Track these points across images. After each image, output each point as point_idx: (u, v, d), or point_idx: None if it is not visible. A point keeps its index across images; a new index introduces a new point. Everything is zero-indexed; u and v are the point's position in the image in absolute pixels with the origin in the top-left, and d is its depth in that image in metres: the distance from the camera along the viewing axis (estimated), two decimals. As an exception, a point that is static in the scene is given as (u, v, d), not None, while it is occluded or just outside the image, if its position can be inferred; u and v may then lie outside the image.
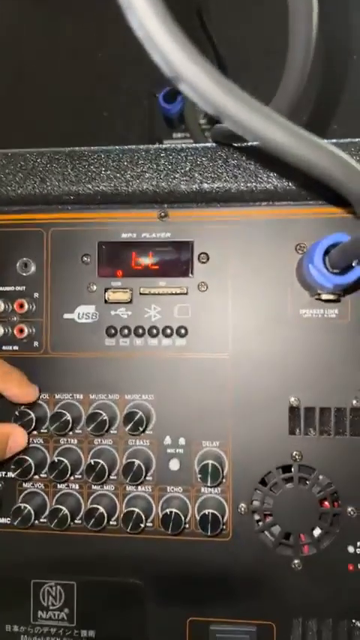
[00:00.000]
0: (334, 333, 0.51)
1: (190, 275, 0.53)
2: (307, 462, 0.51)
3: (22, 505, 0.51)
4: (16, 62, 0.95)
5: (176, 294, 0.53)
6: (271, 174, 0.49)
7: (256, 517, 0.52)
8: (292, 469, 0.52)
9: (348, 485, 0.51)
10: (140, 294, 0.54)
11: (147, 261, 0.54)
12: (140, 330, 0.54)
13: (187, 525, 0.52)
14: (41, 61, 0.95)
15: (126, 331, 0.54)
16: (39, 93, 0.95)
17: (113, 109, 0.99)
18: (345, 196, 0.32)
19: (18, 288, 0.55)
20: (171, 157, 0.50)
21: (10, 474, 0.54)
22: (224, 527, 0.51)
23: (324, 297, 0.48)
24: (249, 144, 0.50)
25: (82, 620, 0.54)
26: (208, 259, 0.53)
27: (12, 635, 0.54)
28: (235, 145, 0.50)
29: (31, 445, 0.54)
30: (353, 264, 0.43)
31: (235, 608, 0.52)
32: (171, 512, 0.50)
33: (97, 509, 0.50)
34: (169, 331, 0.53)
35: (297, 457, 0.51)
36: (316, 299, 0.50)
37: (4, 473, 0.55)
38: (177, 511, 0.49)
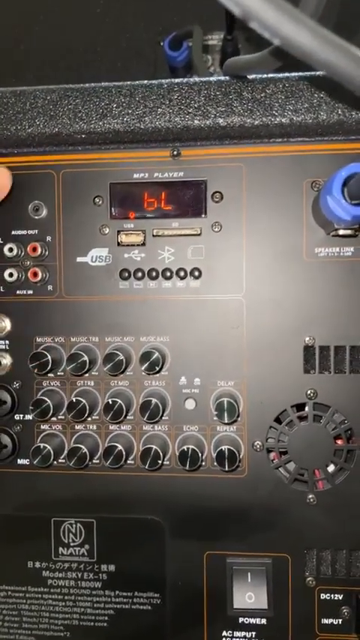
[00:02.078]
0: (349, 272, 0.51)
1: (204, 215, 0.53)
2: (321, 400, 0.52)
3: (42, 445, 0.52)
4: (15, 15, 0.92)
5: (190, 235, 0.53)
6: (287, 108, 0.48)
7: (272, 454, 0.53)
8: (307, 407, 0.52)
9: (362, 422, 0.51)
10: (153, 235, 0.53)
11: (159, 201, 0.53)
12: (154, 273, 0.53)
13: (203, 463, 0.53)
14: (40, 14, 0.92)
15: (140, 274, 0.54)
16: (39, 46, 0.92)
17: (115, 60, 0.96)
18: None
19: (30, 231, 0.54)
20: (184, 92, 0.49)
21: (28, 417, 0.55)
22: (240, 463, 0.52)
23: (341, 232, 0.47)
24: (262, 76, 0.49)
25: (102, 556, 0.55)
26: (221, 198, 0.52)
27: (34, 571, 0.56)
28: (249, 77, 0.49)
29: (48, 388, 0.55)
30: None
31: (251, 541, 0.53)
32: (188, 448, 0.50)
33: (116, 447, 0.51)
34: (182, 273, 0.53)
35: (311, 395, 0.52)
36: (333, 235, 0.50)
37: (21, 416, 0.55)
38: (194, 447, 0.50)
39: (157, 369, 0.51)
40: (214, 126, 0.49)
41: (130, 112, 0.50)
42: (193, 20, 0.89)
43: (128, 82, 0.50)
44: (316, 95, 0.48)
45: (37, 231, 0.54)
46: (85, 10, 0.92)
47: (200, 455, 0.51)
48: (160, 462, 0.51)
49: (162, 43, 0.94)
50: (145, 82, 0.50)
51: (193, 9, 0.92)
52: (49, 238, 0.54)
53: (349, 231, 0.47)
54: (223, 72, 0.51)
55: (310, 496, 0.52)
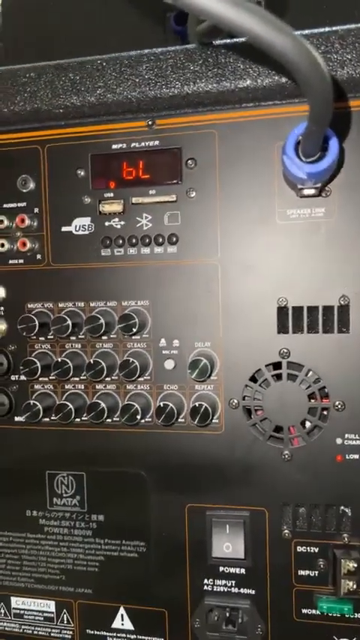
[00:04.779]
0: (321, 233, 0.52)
1: (179, 182, 0.54)
2: (295, 359, 0.53)
3: (32, 402, 0.56)
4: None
5: (166, 202, 0.55)
6: (251, 71, 0.49)
7: (248, 412, 0.55)
8: (282, 366, 0.54)
9: (336, 381, 0.52)
10: (132, 204, 0.56)
11: (138, 170, 0.55)
12: (133, 240, 0.56)
13: (182, 420, 0.55)
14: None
15: (120, 241, 0.56)
16: (40, 24, 0.93)
17: (123, 35, 0.96)
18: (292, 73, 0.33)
19: (19, 204, 0.58)
20: (152, 62, 0.51)
21: (23, 378, 0.59)
22: (217, 420, 0.55)
23: (305, 192, 0.48)
24: (226, 41, 0.50)
25: (92, 506, 0.59)
26: (196, 165, 0.54)
27: (32, 519, 0.61)
28: (215, 44, 0.50)
29: (40, 350, 0.59)
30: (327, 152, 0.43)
31: (229, 495, 0.56)
32: (165, 405, 0.53)
33: (99, 404, 0.54)
34: (160, 239, 0.55)
35: (284, 354, 0.53)
36: (301, 197, 0.50)
37: (17, 376, 0.60)
38: (170, 404, 0.53)
39: (134, 330, 0.54)
40: (182, 93, 0.51)
41: (101, 84, 0.52)
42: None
43: (99, 56, 0.52)
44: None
45: (25, 203, 0.58)
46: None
47: (176, 411, 0.53)
48: (138, 417, 0.54)
49: (169, 17, 0.94)
50: (116, 54, 0.52)
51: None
52: (36, 210, 0.58)
53: (312, 191, 0.48)
54: (197, 41, 0.52)
55: (286, 452, 0.54)
